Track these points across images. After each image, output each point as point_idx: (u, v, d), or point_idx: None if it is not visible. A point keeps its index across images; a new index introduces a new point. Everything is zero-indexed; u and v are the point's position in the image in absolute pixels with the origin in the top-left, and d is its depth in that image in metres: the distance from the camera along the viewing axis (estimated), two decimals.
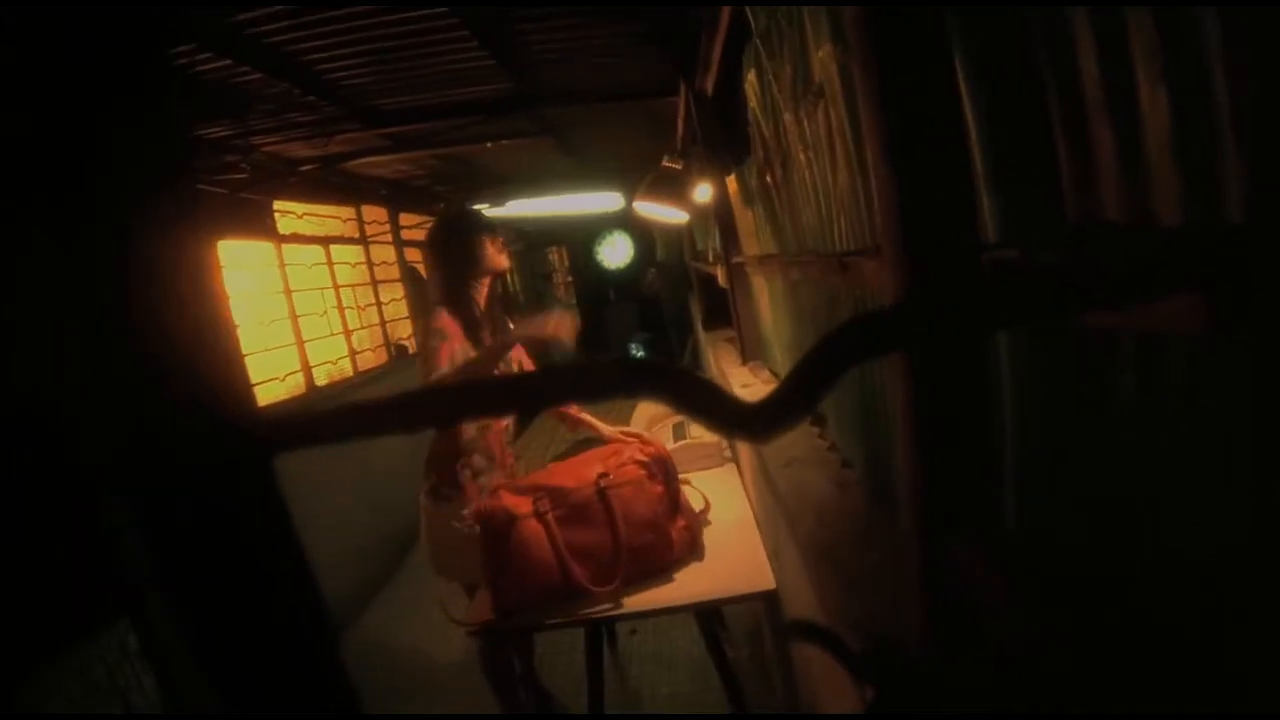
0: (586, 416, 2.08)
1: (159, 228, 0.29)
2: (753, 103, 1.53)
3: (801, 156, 1.18)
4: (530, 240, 7.81)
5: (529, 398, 0.31)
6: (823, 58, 0.93)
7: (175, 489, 0.31)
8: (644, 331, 8.44)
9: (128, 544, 0.32)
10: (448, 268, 1.85)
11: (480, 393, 0.36)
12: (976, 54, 0.55)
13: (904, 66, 0.52)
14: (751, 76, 1.46)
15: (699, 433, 2.36)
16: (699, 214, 3.32)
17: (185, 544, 0.32)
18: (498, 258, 1.88)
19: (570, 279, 9.10)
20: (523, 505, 1.54)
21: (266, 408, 2.72)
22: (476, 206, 4.02)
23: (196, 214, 0.30)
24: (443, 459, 1.88)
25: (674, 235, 6.88)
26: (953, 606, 0.59)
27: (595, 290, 8.78)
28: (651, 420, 2.80)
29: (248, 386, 0.32)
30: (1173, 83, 0.40)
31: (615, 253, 8.70)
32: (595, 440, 1.97)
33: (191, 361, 0.30)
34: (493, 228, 1.90)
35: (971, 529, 0.58)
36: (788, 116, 1.22)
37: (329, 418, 0.36)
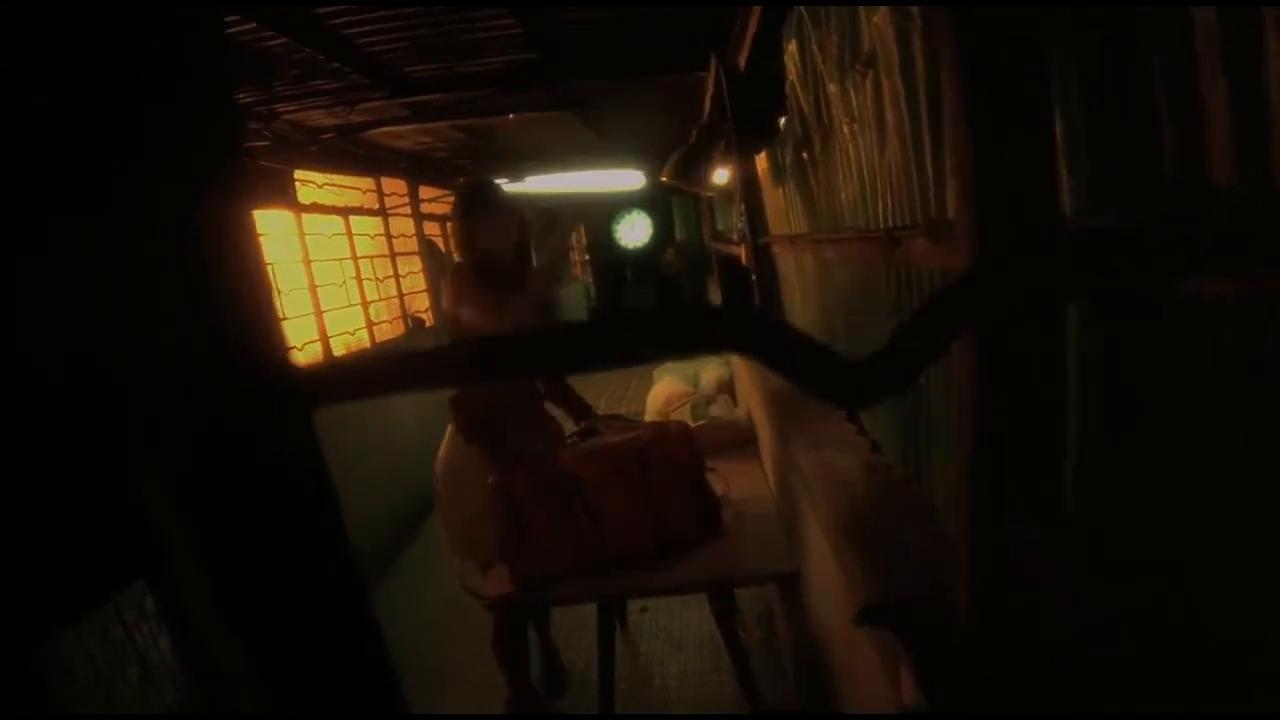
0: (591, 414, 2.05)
1: (214, 196, 0.28)
2: (792, 75, 1.48)
3: (845, 129, 1.13)
4: (548, 217, 7.76)
5: (593, 353, 0.28)
6: (877, 24, 0.89)
7: (215, 444, 0.30)
8: None
9: (153, 504, 0.31)
10: (457, 239, 1.85)
11: (534, 347, 0.33)
12: (1068, 14, 0.51)
13: (988, 29, 0.48)
14: (792, 47, 1.41)
15: (719, 412, 2.34)
16: (722, 193, 3.27)
17: (223, 500, 0.31)
18: (491, 239, 1.77)
19: (587, 257, 9.04)
20: (548, 477, 1.53)
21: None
22: (496, 180, 3.97)
23: (245, 183, 0.29)
24: (468, 404, 1.79)
25: (693, 215, 6.81)
26: (1007, 590, 0.56)
27: (612, 269, 8.72)
28: (669, 400, 2.78)
29: (285, 346, 0.32)
30: None
31: (633, 232, 8.61)
32: (595, 431, 1.94)
33: (231, 320, 0.29)
34: (498, 208, 1.80)
35: (1030, 511, 0.55)
36: (832, 87, 1.17)
37: (368, 371, 0.34)
